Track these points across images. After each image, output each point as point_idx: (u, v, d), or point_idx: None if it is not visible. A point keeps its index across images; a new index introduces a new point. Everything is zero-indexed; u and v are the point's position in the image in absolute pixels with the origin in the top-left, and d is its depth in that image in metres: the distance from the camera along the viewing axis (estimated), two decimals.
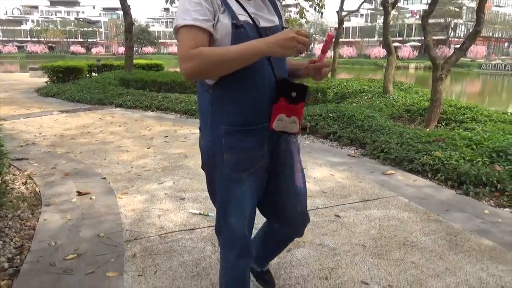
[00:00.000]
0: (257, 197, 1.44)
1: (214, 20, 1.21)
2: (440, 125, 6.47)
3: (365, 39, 67.62)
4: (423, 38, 6.04)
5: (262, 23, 1.30)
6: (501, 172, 3.45)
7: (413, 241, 2.47)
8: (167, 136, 5.34)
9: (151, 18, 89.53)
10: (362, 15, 66.93)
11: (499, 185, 3.28)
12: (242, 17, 1.25)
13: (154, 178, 3.63)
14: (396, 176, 3.76)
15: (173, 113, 7.28)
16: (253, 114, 1.30)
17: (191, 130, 5.76)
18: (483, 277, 2.08)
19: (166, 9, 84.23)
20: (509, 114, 6.45)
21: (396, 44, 58.23)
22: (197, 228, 2.62)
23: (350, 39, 67.74)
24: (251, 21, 1.26)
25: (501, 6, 73.22)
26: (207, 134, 1.34)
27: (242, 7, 1.27)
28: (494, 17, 65.58)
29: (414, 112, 7.07)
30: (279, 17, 1.40)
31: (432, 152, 4.00)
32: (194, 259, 2.24)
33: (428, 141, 4.45)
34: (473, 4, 57.77)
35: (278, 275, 2.06)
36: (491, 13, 64.52)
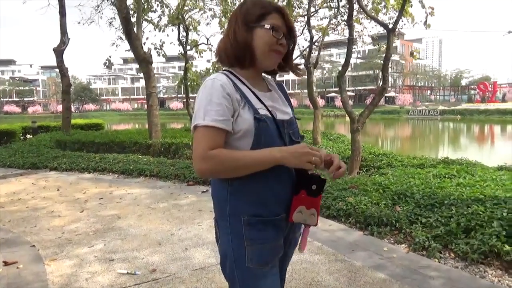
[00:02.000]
0: None
1: (233, 117, 1.23)
2: (361, 171, 7.16)
3: (304, 91, 71.79)
4: (356, 88, 6.86)
5: (279, 116, 1.33)
6: (400, 213, 3.99)
7: (319, 280, 2.81)
8: (102, 198, 5.43)
9: (92, 76, 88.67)
10: (315, 67, 71.54)
11: (397, 224, 3.79)
12: (262, 110, 1.28)
13: (85, 241, 3.72)
14: None
15: (110, 174, 7.35)
16: (273, 204, 1.28)
17: (128, 191, 5.89)
18: None
19: (111, 64, 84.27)
20: (417, 158, 7.31)
21: (333, 94, 62.51)
22: (124, 287, 2.78)
23: (291, 91, 71.57)
24: (269, 114, 1.29)
25: (420, 59, 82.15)
26: (225, 226, 1.29)
27: (260, 101, 1.30)
28: (416, 68, 73.21)
29: None
30: (291, 107, 1.44)
31: (346, 198, 4.49)
32: None
33: (344, 188, 4.97)
34: (397, 57, 64.37)
35: None
36: (413, 65, 72.07)
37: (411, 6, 7.71)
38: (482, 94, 53.20)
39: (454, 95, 64.12)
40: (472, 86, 61.36)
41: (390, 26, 7.13)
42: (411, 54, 7.86)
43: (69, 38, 11.49)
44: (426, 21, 7.38)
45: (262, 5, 1.30)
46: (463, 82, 70.15)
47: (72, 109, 17.64)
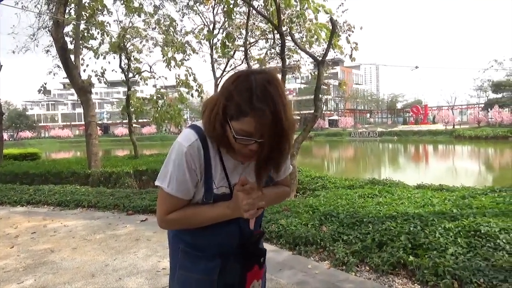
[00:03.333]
0: None
1: (196, 186, 1.30)
2: (298, 194, 7.55)
3: None
4: (301, 112, 7.22)
5: None
6: (325, 232, 4.34)
7: None
8: (34, 232, 5.27)
9: (29, 101, 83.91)
10: None
11: (322, 242, 4.13)
12: (221, 189, 1.31)
13: (13, 278, 3.65)
14: None
15: (45, 206, 7.10)
16: (213, 247, 1.38)
17: (63, 223, 5.76)
18: None
19: (48, 91, 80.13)
20: (348, 180, 7.86)
21: None
22: None
23: None
24: (229, 191, 1.32)
25: (359, 84, 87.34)
26: (170, 244, 1.47)
27: (226, 176, 1.31)
28: (356, 93, 77.69)
29: None
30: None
31: (278, 221, 4.78)
32: None
33: (278, 211, 5.27)
34: (336, 83, 67.96)
35: None
36: (352, 90, 76.42)
37: (339, 40, 8.47)
38: (415, 117, 57.42)
39: (390, 118, 68.55)
40: (406, 109, 66.05)
41: (320, 58, 7.75)
42: (339, 84, 8.56)
43: (1, 65, 11.06)
44: (351, 54, 8.13)
45: (241, 102, 1.15)
46: (398, 105, 75.44)
47: (5, 137, 16.65)
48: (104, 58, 12.75)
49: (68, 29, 10.65)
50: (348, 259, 3.68)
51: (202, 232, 1.34)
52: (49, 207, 7.02)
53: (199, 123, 1.29)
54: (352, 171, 14.89)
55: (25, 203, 7.26)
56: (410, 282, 3.28)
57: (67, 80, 9.03)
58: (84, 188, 7.90)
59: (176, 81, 13.36)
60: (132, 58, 13.18)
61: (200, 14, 15.30)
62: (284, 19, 8.27)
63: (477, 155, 25.63)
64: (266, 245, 4.35)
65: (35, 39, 11.75)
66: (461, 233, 3.70)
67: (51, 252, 4.40)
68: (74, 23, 9.71)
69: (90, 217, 6.15)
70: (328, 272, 3.57)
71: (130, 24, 12.72)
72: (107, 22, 11.62)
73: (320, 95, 7.71)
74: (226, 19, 12.12)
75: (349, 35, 8.16)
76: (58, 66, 11.62)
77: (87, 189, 7.84)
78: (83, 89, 8.66)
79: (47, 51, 12.41)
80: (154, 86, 17.67)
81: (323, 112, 67.60)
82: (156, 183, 1.29)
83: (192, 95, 13.19)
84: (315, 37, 9.88)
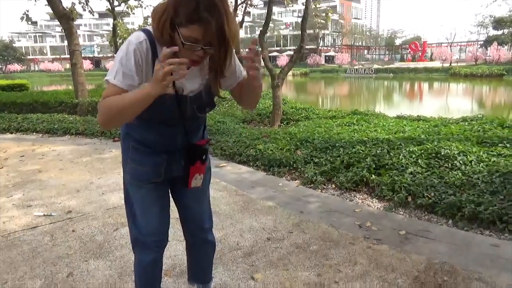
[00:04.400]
0: (160, 205, 1.64)
1: (142, 81, 1.34)
2: (282, 124, 7.74)
3: (245, 50, 71.19)
4: (297, 46, 7.09)
5: (186, 91, 1.43)
6: (299, 155, 4.58)
7: (216, 210, 3.30)
8: (23, 156, 5.48)
9: (16, 33, 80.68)
10: (241, 27, 70.58)
11: (294, 164, 4.38)
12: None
13: (3, 193, 3.90)
14: (226, 167, 4.65)
15: (34, 133, 7.27)
16: (159, 146, 1.53)
17: (51, 148, 5.96)
18: (253, 224, 2.99)
19: (34, 23, 76.73)
20: (332, 111, 8.03)
21: (275, 53, 62.82)
22: (39, 226, 3.08)
23: None
24: (173, 92, 1.38)
25: (358, 19, 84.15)
26: (122, 142, 1.61)
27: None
28: (354, 28, 75.22)
29: (263, 115, 8.27)
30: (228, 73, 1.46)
31: (257, 146, 5.01)
32: (32, 247, 2.71)
33: (258, 137, 5.48)
34: (336, 17, 65.54)
35: None
36: (351, 24, 73.93)
37: None
38: (413, 54, 56.41)
39: (388, 55, 67.31)
40: (405, 46, 64.62)
41: None
42: (326, 14, 8.35)
43: None
44: None
45: (189, 11, 1.22)
46: (397, 42, 73.54)
47: None
48: None
49: None
50: (316, 178, 3.94)
51: (149, 133, 1.50)
52: (38, 135, 7.19)
53: (151, 27, 1.35)
54: (341, 105, 15.06)
55: (14, 130, 7.41)
56: (370, 197, 3.57)
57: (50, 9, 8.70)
58: (72, 117, 8.02)
59: None
60: None
61: None
62: None
63: (468, 92, 25.74)
64: (243, 168, 4.60)
65: None
66: (423, 155, 3.94)
67: (38, 172, 4.64)
68: None
69: (77, 143, 6.35)
70: (296, 189, 3.85)
71: None
72: None
73: (305, 27, 7.57)
74: None
75: None
76: None
77: (75, 117, 7.96)
78: (64, 17, 8.40)
79: None
80: (145, 18, 17.02)
81: (320, 48, 66.07)
82: (105, 78, 1.35)
83: None
84: None
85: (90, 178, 4.33)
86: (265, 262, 2.43)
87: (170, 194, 1.71)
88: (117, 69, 1.31)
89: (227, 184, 4.01)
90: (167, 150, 1.55)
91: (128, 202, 1.66)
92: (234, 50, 1.43)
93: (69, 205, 3.51)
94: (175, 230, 2.52)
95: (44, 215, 3.29)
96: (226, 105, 9.27)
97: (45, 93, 11.46)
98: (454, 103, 17.90)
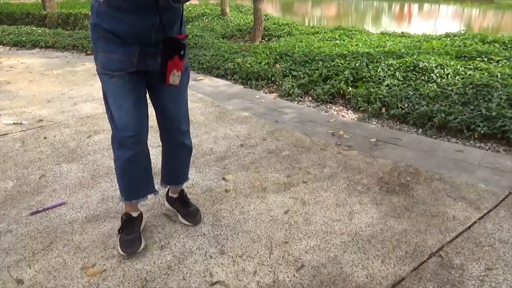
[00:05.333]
0: (134, 98, 1.57)
1: None
2: (263, 40, 7.47)
3: None
4: None
5: None
6: (278, 69, 4.48)
7: (191, 119, 3.28)
8: None
9: None
10: None
11: (273, 78, 4.31)
12: None
13: None
14: (204, 80, 4.55)
15: (0, 46, 6.86)
16: (129, 36, 1.45)
17: (20, 60, 5.68)
18: (227, 132, 3.01)
19: None
20: (316, 27, 7.75)
21: None
22: (10, 133, 3.02)
23: None
24: None
25: None
26: (91, 33, 1.52)
27: None
28: None
29: (244, 31, 7.92)
30: None
31: (235, 60, 4.86)
32: (2, 153, 2.69)
33: (237, 51, 5.31)
34: None
35: None
36: None
37: None
38: None
39: None
40: None
41: None
42: None
43: None
44: None
45: None
46: None
47: None
48: None
49: None
50: (294, 91, 3.91)
51: (120, 23, 1.41)
52: (5, 47, 6.80)
53: None
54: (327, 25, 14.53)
55: None
56: (345, 109, 3.59)
57: None
58: (41, 30, 7.55)
59: None
60: None
61: None
62: None
63: (457, 15, 25.08)
64: (221, 81, 4.52)
65: None
66: (401, 69, 3.91)
67: (7, 83, 4.45)
68: None
69: (48, 56, 6.05)
70: (273, 101, 3.83)
71: None
72: None
73: None
74: None
75: None
76: None
77: (44, 30, 7.49)
78: None
79: None
80: None
81: None
82: None
83: None
84: None
85: (62, 90, 4.19)
86: (237, 165, 2.48)
87: (146, 91, 1.65)
88: None
89: (203, 96, 3.95)
90: (139, 42, 1.47)
91: (104, 97, 1.61)
92: None
93: (40, 114, 3.43)
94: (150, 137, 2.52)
95: (14, 123, 3.22)
96: (206, 20, 8.82)
97: (10, 4, 10.62)
98: (442, 24, 17.48)
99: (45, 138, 2.93)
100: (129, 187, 1.71)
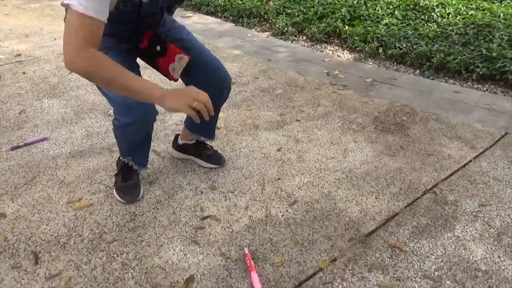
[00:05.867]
0: (130, 65, 1.36)
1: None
2: None
3: None
4: None
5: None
6: (271, 6, 4.24)
7: None
8: None
9: None
10: None
11: (265, 15, 4.08)
12: None
13: None
14: (192, 18, 4.30)
15: None
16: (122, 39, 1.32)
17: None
18: None
19: None
20: None
21: None
22: None
23: None
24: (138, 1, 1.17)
25: None
26: None
27: None
28: None
29: None
30: None
31: None
32: None
33: None
34: None
35: None
36: None
37: None
38: None
39: None
40: None
41: None
42: None
43: None
44: None
45: None
46: None
47: None
48: None
49: None
50: (288, 29, 3.72)
51: (112, 24, 1.07)
52: None
53: None
54: None
55: None
56: (341, 49, 3.44)
57: None
58: None
59: None
60: None
61: None
62: None
63: None
64: (210, 18, 4.28)
65: None
66: (401, 7, 3.72)
67: None
68: None
69: None
70: (266, 39, 3.64)
71: None
72: None
73: None
74: None
75: None
76: None
77: None
78: None
79: None
80: None
81: None
82: (63, 2, 0.96)
83: None
84: None
85: (40, 24, 3.93)
86: (228, 103, 2.37)
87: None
88: None
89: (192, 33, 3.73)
90: (131, 40, 1.35)
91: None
92: None
93: (18, 49, 3.22)
94: None
95: None
96: None
97: None
98: None
99: (24, 73, 2.76)
100: (131, 148, 1.52)
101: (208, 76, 1.47)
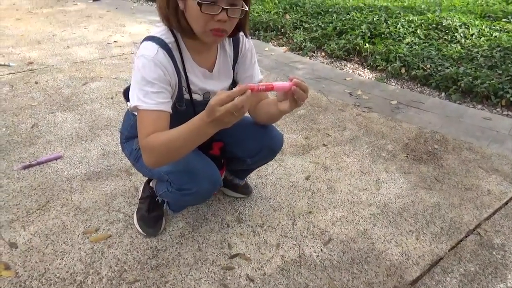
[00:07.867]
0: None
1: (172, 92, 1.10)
2: None
3: None
4: None
5: (207, 96, 1.21)
6: (288, 20, 4.15)
7: None
8: None
9: None
10: None
11: (282, 29, 3.99)
12: (194, 95, 1.18)
13: None
14: None
15: None
16: None
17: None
18: None
19: None
20: None
21: None
22: None
23: None
24: (201, 99, 1.20)
25: None
26: (125, 144, 1.36)
27: (188, 85, 1.15)
28: None
29: None
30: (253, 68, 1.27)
31: None
32: None
33: None
34: None
35: None
36: None
37: None
38: None
39: None
40: None
41: None
42: None
43: None
44: None
45: None
46: None
47: None
48: None
49: None
50: (306, 45, 3.63)
51: (176, 125, 1.05)
52: None
53: (154, 31, 1.10)
54: None
55: None
56: (361, 67, 3.34)
57: None
58: None
59: None
60: None
61: None
62: None
63: None
64: None
65: None
66: (423, 26, 3.63)
67: None
68: None
69: None
70: (283, 55, 3.55)
71: None
72: None
73: None
74: None
75: None
76: None
77: None
78: None
79: None
80: None
81: None
82: (131, 105, 1.04)
83: None
84: None
85: (53, 30, 3.84)
86: None
87: None
88: (142, 91, 1.02)
89: None
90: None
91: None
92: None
93: (30, 56, 3.13)
94: None
95: (1, 64, 2.92)
96: None
97: None
98: None
99: (36, 83, 2.66)
100: (182, 206, 1.47)
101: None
